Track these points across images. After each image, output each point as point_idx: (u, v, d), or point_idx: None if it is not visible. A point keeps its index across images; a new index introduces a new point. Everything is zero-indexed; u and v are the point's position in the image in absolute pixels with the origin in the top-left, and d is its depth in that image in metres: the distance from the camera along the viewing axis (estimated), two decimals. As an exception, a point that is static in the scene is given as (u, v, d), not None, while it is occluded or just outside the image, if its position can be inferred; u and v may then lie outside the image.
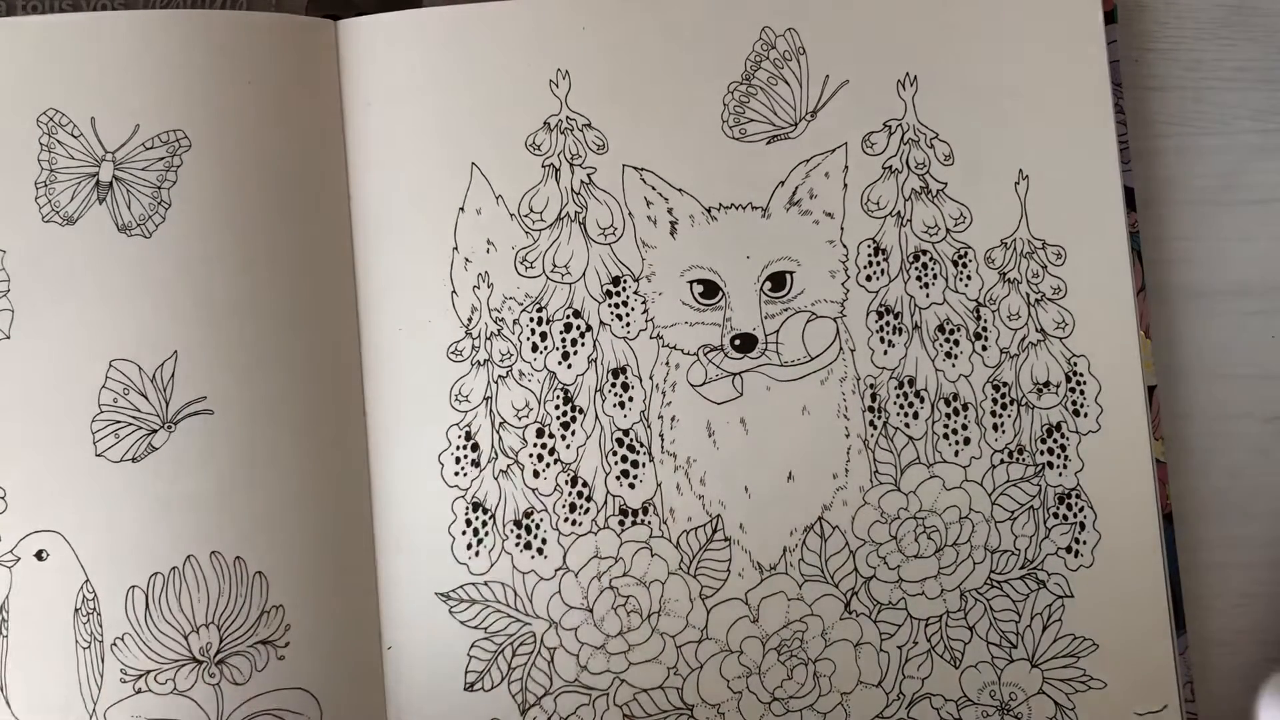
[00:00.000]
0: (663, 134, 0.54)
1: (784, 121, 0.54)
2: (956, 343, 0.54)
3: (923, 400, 0.54)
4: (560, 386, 0.54)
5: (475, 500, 0.53)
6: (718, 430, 0.53)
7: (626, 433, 0.53)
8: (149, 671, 0.51)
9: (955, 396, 0.54)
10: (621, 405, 0.54)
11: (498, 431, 0.53)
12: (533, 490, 0.53)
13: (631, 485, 0.53)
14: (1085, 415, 0.53)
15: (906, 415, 0.53)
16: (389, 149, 0.54)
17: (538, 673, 0.53)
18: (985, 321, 0.54)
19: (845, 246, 0.54)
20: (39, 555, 0.51)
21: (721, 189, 0.54)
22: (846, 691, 0.53)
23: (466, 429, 0.53)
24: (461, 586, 0.53)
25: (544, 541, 0.53)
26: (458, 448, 0.53)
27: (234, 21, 0.53)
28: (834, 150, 0.54)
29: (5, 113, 0.52)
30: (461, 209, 0.54)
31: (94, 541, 0.51)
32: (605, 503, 0.53)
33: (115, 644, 0.51)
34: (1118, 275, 0.54)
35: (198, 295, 0.52)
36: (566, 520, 0.53)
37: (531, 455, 0.53)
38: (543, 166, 0.54)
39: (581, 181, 0.54)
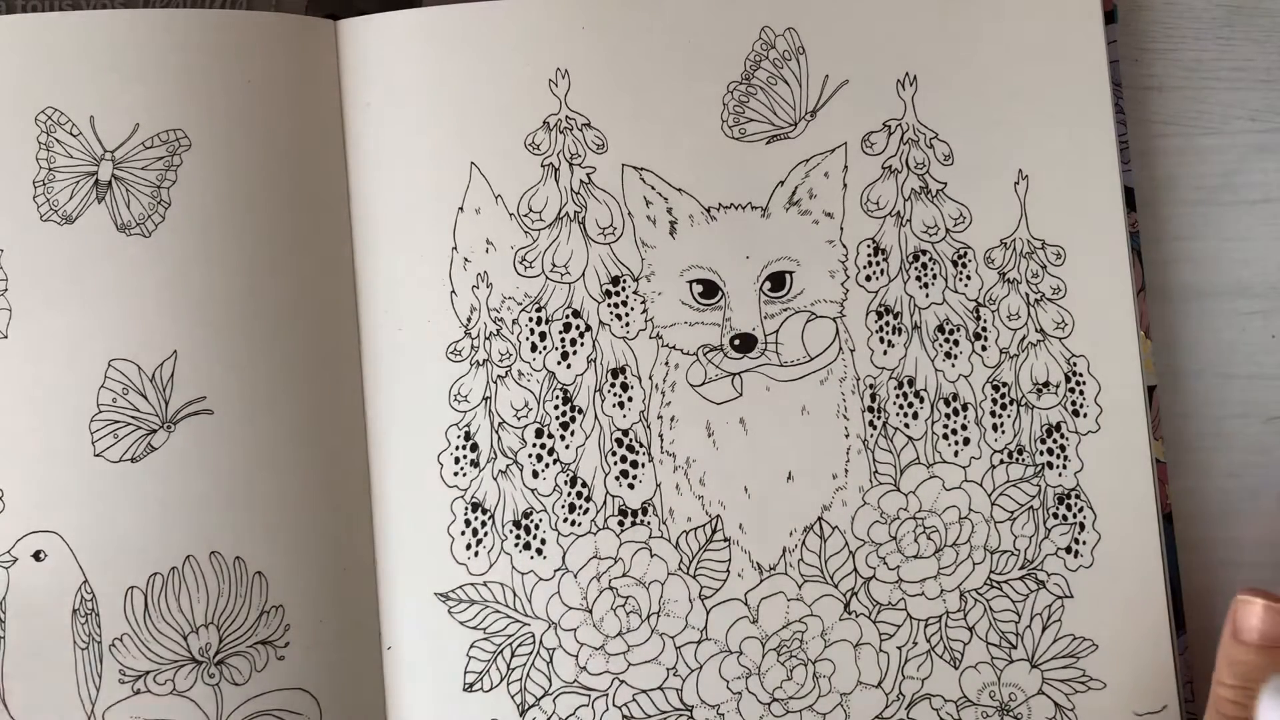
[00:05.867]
0: (663, 134, 0.54)
1: (784, 121, 0.54)
2: (956, 343, 0.54)
3: (922, 400, 0.53)
4: (559, 386, 0.54)
5: (474, 500, 0.53)
6: (717, 430, 0.53)
7: (626, 433, 0.53)
8: (148, 672, 0.51)
9: (955, 396, 0.54)
10: (621, 405, 0.53)
11: (497, 432, 0.53)
12: (532, 490, 0.53)
13: (631, 485, 0.53)
14: (1085, 415, 0.53)
15: (906, 415, 0.53)
16: (389, 149, 0.54)
17: (537, 673, 0.53)
18: (985, 321, 0.54)
19: (845, 246, 0.54)
20: (37, 556, 0.51)
21: (721, 189, 0.54)
22: (846, 692, 0.53)
23: (465, 429, 0.53)
24: (461, 587, 0.53)
25: (543, 542, 0.53)
26: (457, 448, 0.53)
27: (234, 21, 0.53)
28: (834, 150, 0.54)
29: (4, 111, 0.52)
30: (461, 209, 0.54)
31: (92, 542, 0.51)
32: (604, 503, 0.53)
33: (114, 645, 0.51)
34: (1118, 275, 0.54)
35: (198, 295, 0.52)
36: (566, 520, 0.53)
37: (531, 455, 0.53)
38: (542, 166, 0.54)
39: (581, 181, 0.54)
